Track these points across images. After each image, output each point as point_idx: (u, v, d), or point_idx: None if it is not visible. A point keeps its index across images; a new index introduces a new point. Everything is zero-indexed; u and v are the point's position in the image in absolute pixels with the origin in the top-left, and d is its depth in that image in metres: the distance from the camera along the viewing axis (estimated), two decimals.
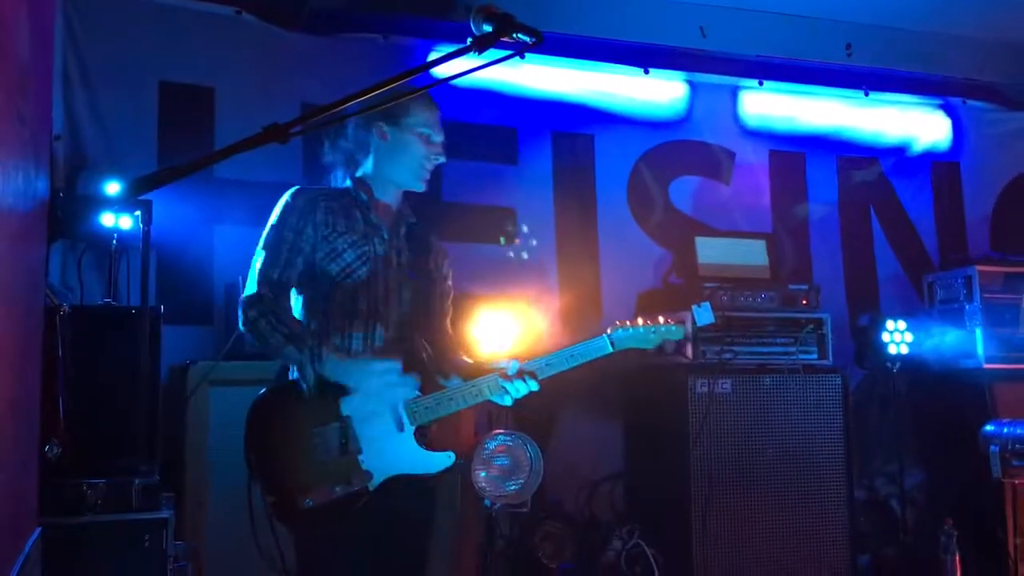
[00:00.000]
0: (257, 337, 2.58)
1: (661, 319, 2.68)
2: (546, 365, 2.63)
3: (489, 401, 2.68)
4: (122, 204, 3.52)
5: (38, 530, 1.78)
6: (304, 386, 2.55)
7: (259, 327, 2.56)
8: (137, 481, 3.09)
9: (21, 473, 1.50)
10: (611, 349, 2.65)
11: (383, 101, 2.07)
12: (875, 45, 5.60)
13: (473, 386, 2.62)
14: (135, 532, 3.00)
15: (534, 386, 2.62)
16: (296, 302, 2.71)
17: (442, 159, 2.80)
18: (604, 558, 4.49)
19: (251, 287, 2.62)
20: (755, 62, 5.60)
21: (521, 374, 2.60)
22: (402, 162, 2.78)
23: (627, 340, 2.66)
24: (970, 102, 6.11)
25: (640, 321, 2.67)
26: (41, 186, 1.67)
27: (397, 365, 2.56)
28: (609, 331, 2.66)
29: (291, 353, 2.54)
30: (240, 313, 2.61)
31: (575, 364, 2.64)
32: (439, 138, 2.79)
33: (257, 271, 2.64)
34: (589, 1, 5.13)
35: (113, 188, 3.70)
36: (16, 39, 1.26)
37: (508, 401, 2.64)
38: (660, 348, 2.84)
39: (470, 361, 2.86)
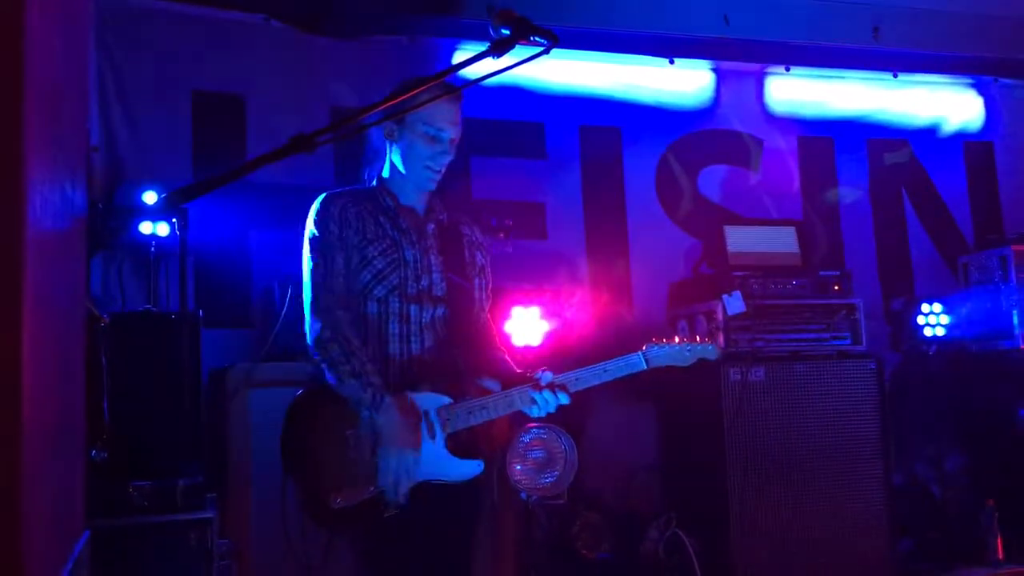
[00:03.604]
0: (326, 361, 2.55)
1: (698, 337, 2.71)
2: (576, 379, 2.61)
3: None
4: (159, 212, 3.60)
5: (87, 533, 1.86)
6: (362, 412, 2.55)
7: (330, 353, 2.53)
8: (181, 482, 3.18)
9: (69, 479, 1.58)
10: (645, 366, 2.65)
11: (408, 103, 2.09)
12: (902, 26, 5.54)
13: (505, 396, 2.61)
14: (181, 532, 3.09)
15: (564, 399, 2.59)
16: None
17: (448, 158, 2.69)
18: (642, 548, 4.51)
19: (319, 305, 2.57)
20: (781, 47, 5.56)
21: (552, 386, 2.58)
22: (408, 162, 2.71)
23: (662, 358, 2.66)
24: (1002, 80, 6.03)
25: (676, 339, 2.68)
26: (79, 202, 1.74)
27: (439, 400, 2.57)
28: (644, 348, 2.65)
29: (353, 389, 2.52)
30: (311, 333, 2.57)
31: (607, 379, 2.63)
32: (448, 134, 2.67)
33: (315, 288, 2.59)
34: None
35: (150, 198, 3.78)
36: (47, 57, 1.30)
37: (537, 413, 2.61)
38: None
39: (508, 361, 2.82)
